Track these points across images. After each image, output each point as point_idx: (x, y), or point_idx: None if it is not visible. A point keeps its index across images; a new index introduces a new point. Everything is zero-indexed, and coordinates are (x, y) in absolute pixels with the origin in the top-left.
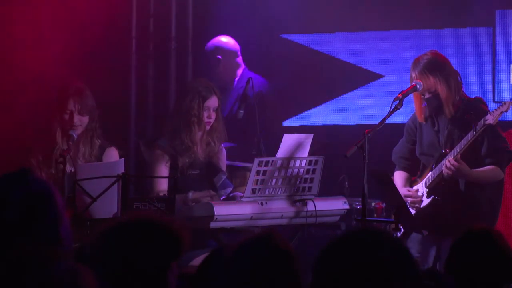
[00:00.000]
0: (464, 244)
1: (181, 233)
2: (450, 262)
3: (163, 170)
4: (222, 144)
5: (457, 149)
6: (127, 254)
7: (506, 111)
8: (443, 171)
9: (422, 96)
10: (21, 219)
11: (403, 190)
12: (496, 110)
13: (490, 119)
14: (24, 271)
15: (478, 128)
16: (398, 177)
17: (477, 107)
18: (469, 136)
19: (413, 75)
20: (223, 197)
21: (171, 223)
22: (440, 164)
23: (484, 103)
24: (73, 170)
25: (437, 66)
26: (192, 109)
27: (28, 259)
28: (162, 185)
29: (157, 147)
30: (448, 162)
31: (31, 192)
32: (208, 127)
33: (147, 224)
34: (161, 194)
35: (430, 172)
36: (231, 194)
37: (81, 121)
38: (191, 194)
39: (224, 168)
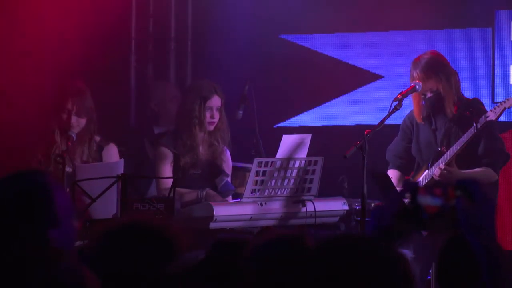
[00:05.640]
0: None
1: (174, 236)
2: (440, 267)
3: (168, 168)
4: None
5: (456, 146)
6: (117, 258)
7: (509, 107)
8: (434, 177)
9: (422, 96)
10: (9, 221)
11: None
12: (498, 106)
13: (491, 115)
14: (27, 271)
15: (479, 125)
16: (392, 176)
17: (475, 107)
18: (469, 133)
19: (415, 74)
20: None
21: (165, 227)
22: (437, 162)
23: (481, 104)
24: (70, 171)
25: (438, 65)
26: (193, 111)
27: (31, 259)
28: (168, 183)
29: (161, 145)
30: (439, 169)
31: (21, 193)
32: (212, 127)
33: (138, 228)
34: (167, 192)
35: (427, 171)
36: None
37: (78, 122)
38: (206, 190)
39: (229, 170)
